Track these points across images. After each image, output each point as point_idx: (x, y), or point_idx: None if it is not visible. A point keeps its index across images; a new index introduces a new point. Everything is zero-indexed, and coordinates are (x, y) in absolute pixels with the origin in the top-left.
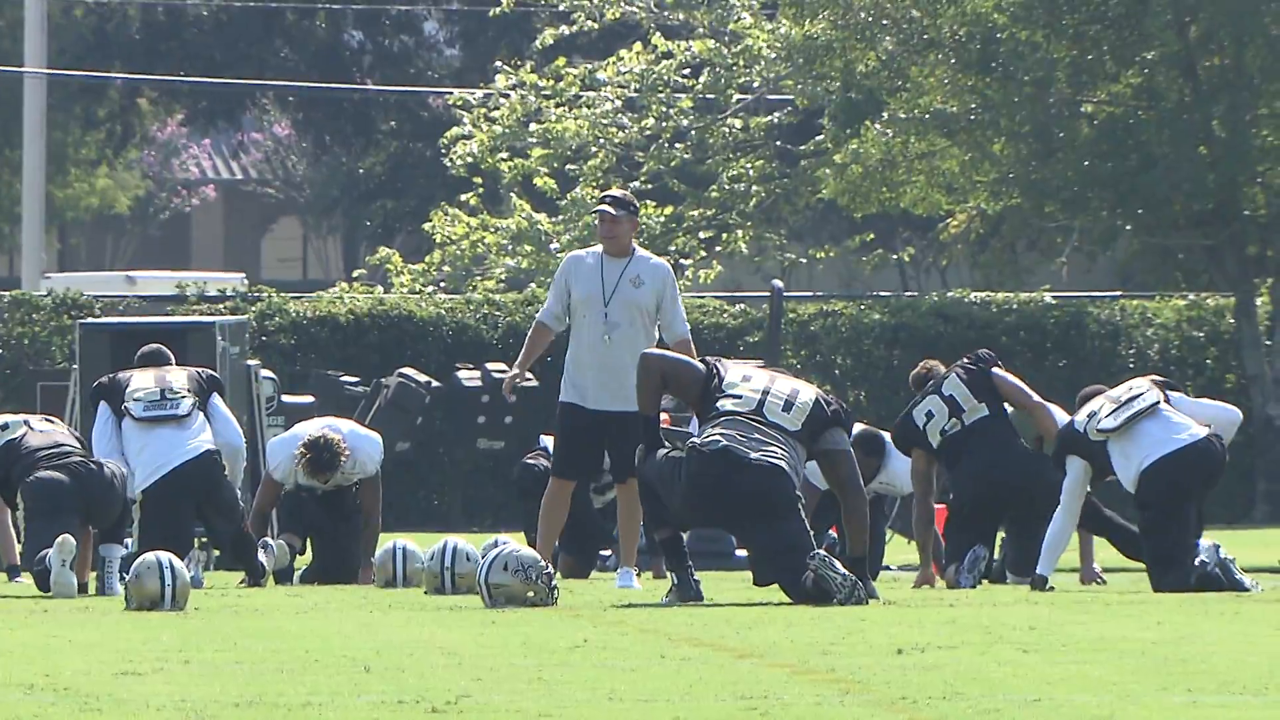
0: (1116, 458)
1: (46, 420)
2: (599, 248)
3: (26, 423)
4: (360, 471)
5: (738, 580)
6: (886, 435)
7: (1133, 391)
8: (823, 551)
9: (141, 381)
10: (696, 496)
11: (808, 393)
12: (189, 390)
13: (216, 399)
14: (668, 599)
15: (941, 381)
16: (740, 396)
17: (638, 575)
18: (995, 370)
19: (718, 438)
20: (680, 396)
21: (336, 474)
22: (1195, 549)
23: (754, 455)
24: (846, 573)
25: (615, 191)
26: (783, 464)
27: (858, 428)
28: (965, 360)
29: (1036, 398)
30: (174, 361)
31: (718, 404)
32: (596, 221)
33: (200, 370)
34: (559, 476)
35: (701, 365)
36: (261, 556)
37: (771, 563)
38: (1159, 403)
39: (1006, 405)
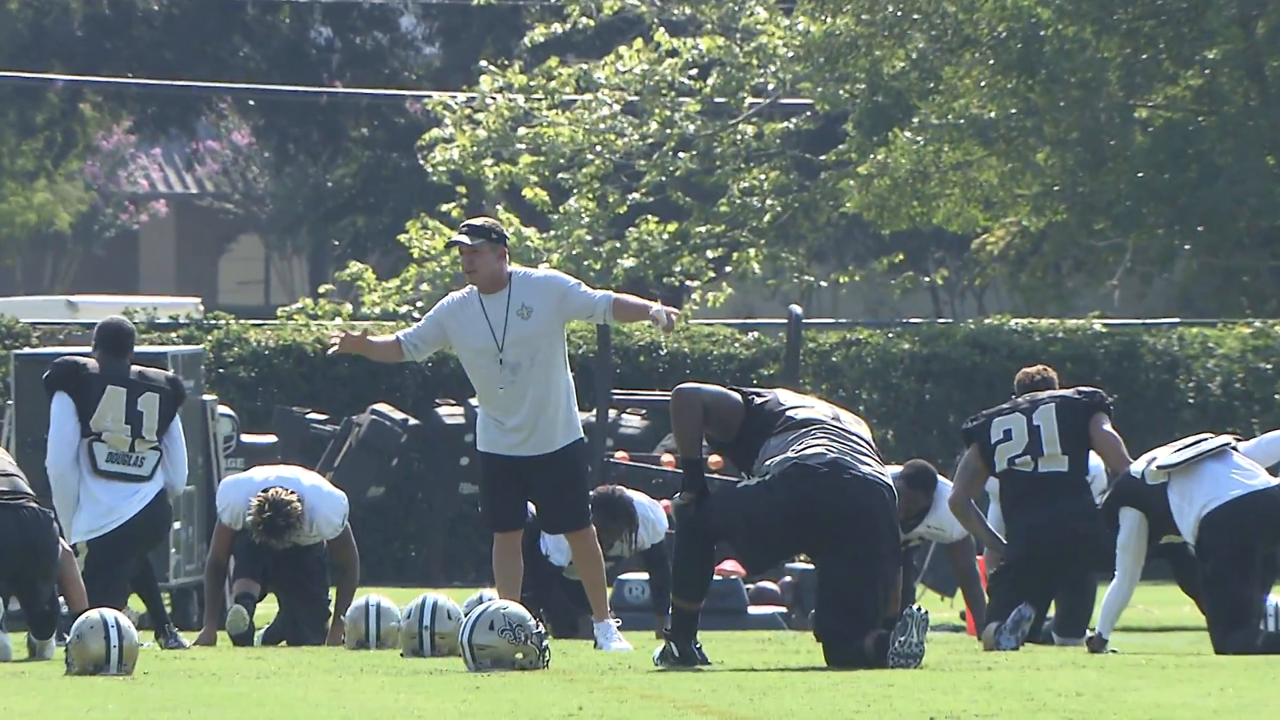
0: (1175, 500)
1: None
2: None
3: None
4: (317, 534)
5: (751, 641)
6: (946, 482)
7: (1199, 436)
8: (924, 610)
9: (112, 410)
10: (800, 518)
11: (864, 427)
12: (158, 440)
13: (177, 427)
14: (660, 659)
15: (1037, 405)
16: (813, 406)
17: (618, 625)
18: (1098, 416)
19: (822, 450)
20: (720, 431)
21: (288, 540)
22: (1263, 606)
23: (864, 469)
24: (924, 642)
25: (474, 220)
26: (890, 481)
27: (901, 465)
28: (1071, 392)
29: (1129, 465)
30: (132, 349)
31: (788, 414)
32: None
33: (166, 387)
34: (492, 529)
35: (737, 394)
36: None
37: (841, 599)
38: (1228, 445)
39: (1092, 454)
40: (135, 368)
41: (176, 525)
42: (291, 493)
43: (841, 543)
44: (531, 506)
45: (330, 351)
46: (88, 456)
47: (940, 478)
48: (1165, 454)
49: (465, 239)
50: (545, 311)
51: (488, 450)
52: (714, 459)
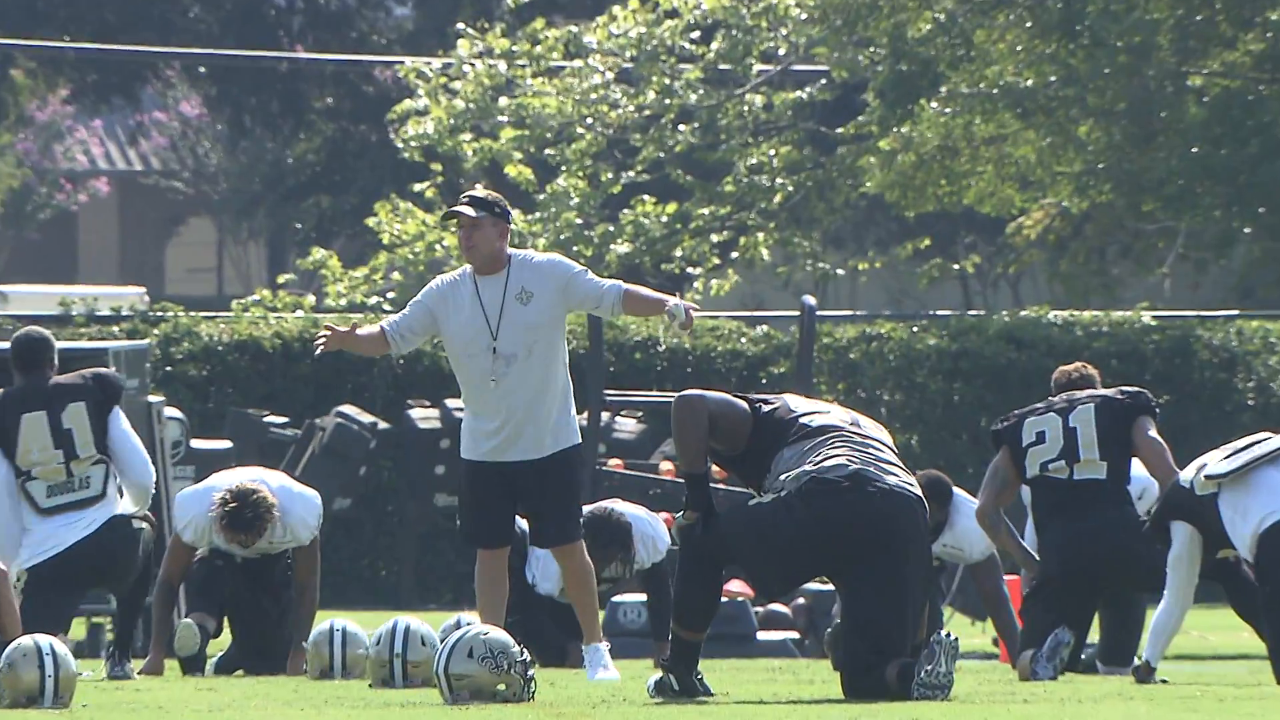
0: (1229, 513)
1: None
2: (470, 268)
3: None
4: (291, 539)
5: (760, 670)
6: (964, 494)
7: (1255, 438)
8: (954, 636)
9: (35, 440)
10: (821, 538)
11: (885, 433)
12: (96, 451)
13: (117, 424)
14: (655, 689)
15: (1075, 405)
16: (829, 412)
17: (609, 650)
18: (1142, 419)
19: (842, 461)
20: (726, 443)
21: (261, 539)
22: None
23: (890, 480)
24: (952, 671)
25: (477, 191)
26: (919, 494)
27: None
28: (1113, 392)
29: (1178, 475)
30: (55, 362)
31: (802, 421)
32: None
33: (92, 388)
34: (475, 545)
35: (743, 401)
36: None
37: (867, 626)
38: None
39: (1135, 461)
40: (54, 379)
41: None
42: (260, 484)
43: (867, 564)
44: (521, 523)
45: (317, 351)
46: (27, 500)
47: (957, 491)
48: (1215, 460)
49: (468, 210)
50: (547, 298)
51: (473, 458)
52: (715, 469)
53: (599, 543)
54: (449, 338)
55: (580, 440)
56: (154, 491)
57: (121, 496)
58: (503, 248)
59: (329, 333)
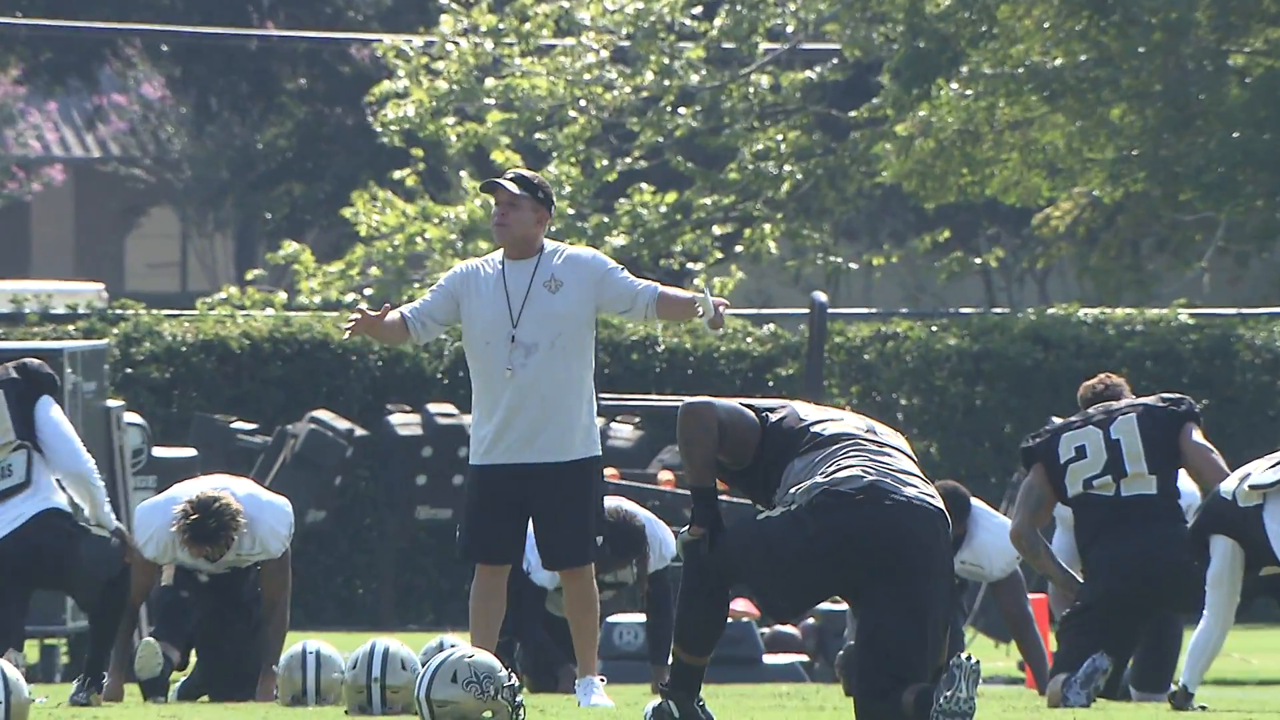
0: (1273, 526)
1: None
2: (500, 253)
3: None
4: (261, 551)
5: (766, 695)
6: (983, 507)
7: None
8: (975, 659)
9: None
10: (834, 555)
11: (902, 440)
12: (16, 437)
13: (44, 410)
14: (654, 717)
15: (1114, 416)
16: (841, 419)
17: (603, 683)
18: (1188, 427)
19: (857, 472)
20: (734, 456)
21: (228, 551)
22: None
23: (909, 491)
24: (974, 697)
25: (525, 171)
26: (941, 506)
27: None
28: (1154, 400)
29: (1219, 487)
30: None
31: (813, 429)
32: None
33: (13, 378)
34: (475, 560)
35: (749, 410)
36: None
37: (883, 650)
38: None
39: (1183, 472)
40: None
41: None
42: (223, 491)
43: (883, 582)
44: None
45: (345, 335)
46: None
47: (976, 503)
48: (1260, 470)
49: (511, 185)
50: (578, 290)
51: (481, 463)
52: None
53: (618, 549)
54: (467, 324)
55: (601, 453)
56: (99, 484)
57: (67, 492)
58: (538, 235)
59: (359, 316)
